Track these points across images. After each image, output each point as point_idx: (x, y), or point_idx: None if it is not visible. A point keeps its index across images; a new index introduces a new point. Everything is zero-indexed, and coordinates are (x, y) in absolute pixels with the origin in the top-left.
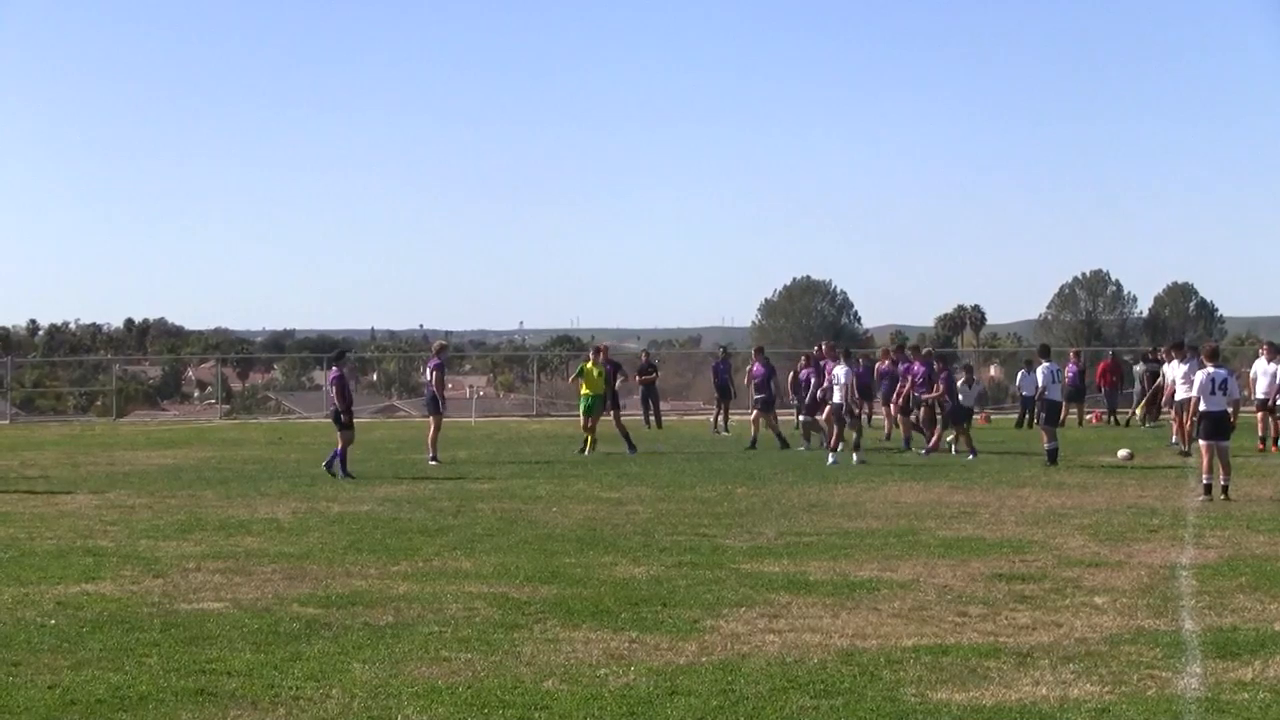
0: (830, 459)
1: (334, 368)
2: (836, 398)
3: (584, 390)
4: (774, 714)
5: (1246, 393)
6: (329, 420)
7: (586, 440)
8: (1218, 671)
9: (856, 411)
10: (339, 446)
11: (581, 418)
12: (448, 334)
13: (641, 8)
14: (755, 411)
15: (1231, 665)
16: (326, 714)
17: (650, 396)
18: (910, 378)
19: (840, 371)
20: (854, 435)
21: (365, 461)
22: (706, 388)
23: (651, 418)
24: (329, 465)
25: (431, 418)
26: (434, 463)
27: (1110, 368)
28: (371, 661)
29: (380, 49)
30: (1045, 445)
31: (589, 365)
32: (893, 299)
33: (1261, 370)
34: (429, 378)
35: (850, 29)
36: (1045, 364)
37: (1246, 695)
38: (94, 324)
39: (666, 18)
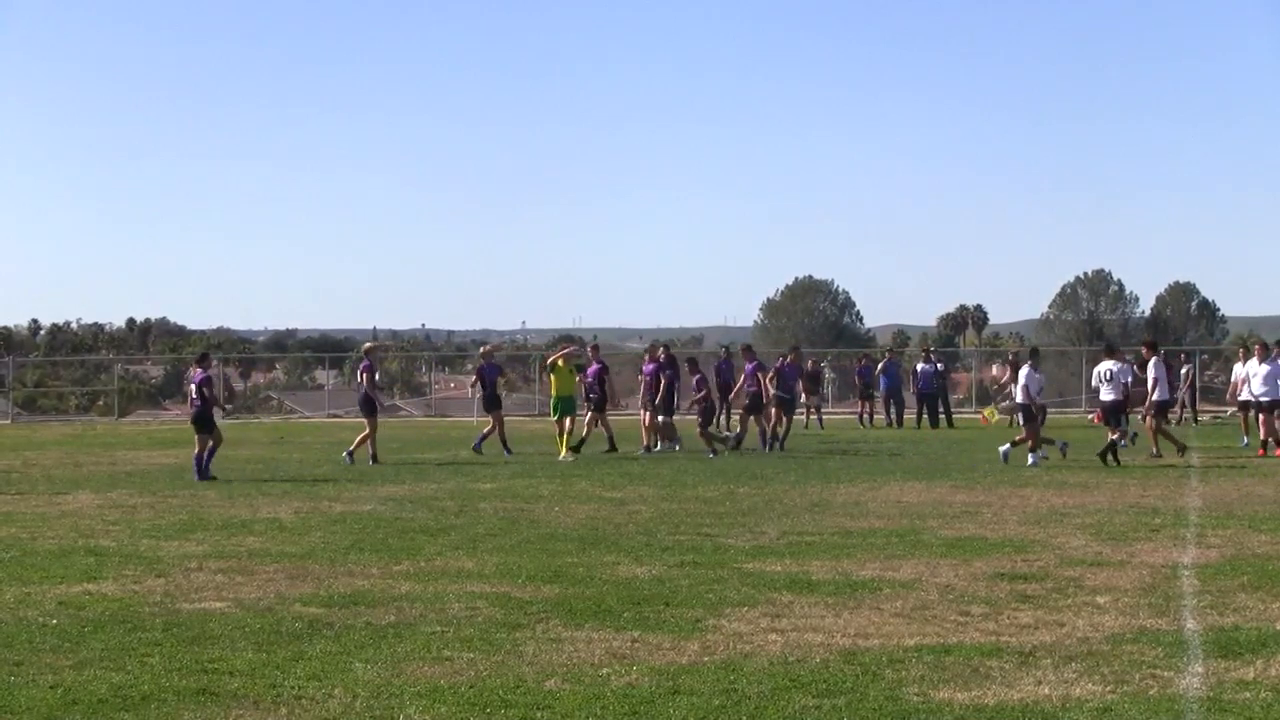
0: (1031, 459)
1: (199, 370)
2: (1020, 398)
3: (553, 391)
4: (776, 713)
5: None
6: (190, 422)
7: (562, 442)
8: (1220, 671)
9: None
10: (198, 450)
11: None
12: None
13: (641, 8)
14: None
15: (1233, 665)
16: (329, 714)
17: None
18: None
19: (1024, 374)
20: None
21: (365, 461)
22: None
23: None
24: (201, 473)
25: (366, 420)
26: (372, 464)
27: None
28: (374, 661)
29: (380, 49)
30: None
31: (560, 364)
32: (895, 298)
33: (1253, 371)
34: (359, 380)
35: (850, 29)
36: (1107, 363)
37: (1248, 694)
38: (96, 323)
39: (666, 18)
